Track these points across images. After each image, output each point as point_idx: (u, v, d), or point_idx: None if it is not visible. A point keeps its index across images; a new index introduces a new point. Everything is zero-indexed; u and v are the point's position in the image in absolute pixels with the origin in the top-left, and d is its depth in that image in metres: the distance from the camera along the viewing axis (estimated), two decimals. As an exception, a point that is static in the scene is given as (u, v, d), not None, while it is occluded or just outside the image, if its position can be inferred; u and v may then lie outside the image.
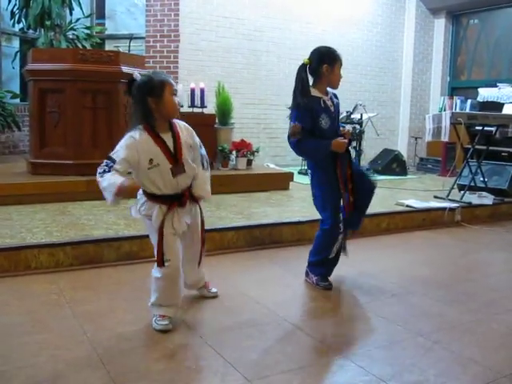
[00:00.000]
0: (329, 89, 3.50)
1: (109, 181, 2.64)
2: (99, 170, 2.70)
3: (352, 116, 8.70)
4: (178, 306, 3.00)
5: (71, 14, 8.72)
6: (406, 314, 3.23)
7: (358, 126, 8.68)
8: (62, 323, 2.92)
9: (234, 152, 7.02)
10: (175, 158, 2.83)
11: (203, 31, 8.76)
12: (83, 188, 5.50)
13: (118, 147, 2.78)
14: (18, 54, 8.78)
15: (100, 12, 9.59)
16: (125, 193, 2.63)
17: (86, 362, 2.50)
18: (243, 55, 9.00)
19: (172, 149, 2.83)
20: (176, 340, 2.78)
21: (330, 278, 3.67)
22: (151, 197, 2.86)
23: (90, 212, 4.98)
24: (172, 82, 2.85)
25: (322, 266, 3.63)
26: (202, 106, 7.05)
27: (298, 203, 5.81)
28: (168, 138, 2.84)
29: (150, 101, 2.77)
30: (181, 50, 8.67)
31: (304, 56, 3.47)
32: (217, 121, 7.17)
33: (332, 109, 3.44)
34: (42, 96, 5.83)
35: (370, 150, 9.71)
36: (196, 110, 7.06)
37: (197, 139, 3.03)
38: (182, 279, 2.99)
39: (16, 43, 9.11)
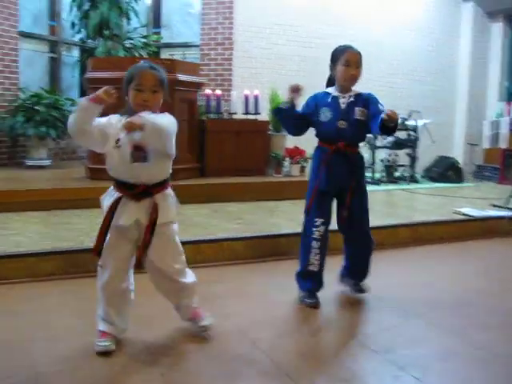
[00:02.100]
0: (361, 91, 3.40)
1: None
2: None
3: (406, 123, 8.59)
4: (119, 327, 2.76)
5: (129, 23, 8.91)
6: (462, 325, 3.16)
7: (412, 133, 8.57)
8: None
9: (287, 159, 7.03)
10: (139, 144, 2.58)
11: (257, 39, 8.81)
12: (139, 193, 5.59)
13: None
14: (78, 63, 9.05)
15: (156, 21, 9.77)
16: (99, 97, 2.47)
17: (142, 364, 2.55)
18: (296, 62, 9.00)
19: None
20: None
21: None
22: (114, 182, 2.69)
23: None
24: (143, 76, 2.61)
25: (306, 279, 3.45)
26: (256, 112, 7.10)
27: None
28: None
29: (124, 90, 2.67)
30: (235, 57, 8.74)
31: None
32: (270, 127, 7.19)
33: (343, 106, 3.33)
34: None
35: (425, 157, 9.55)
36: (250, 116, 7.11)
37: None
38: (125, 297, 2.77)
39: (76, 53, 9.39)
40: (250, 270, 4.17)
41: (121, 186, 2.64)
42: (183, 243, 4.13)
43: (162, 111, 2.67)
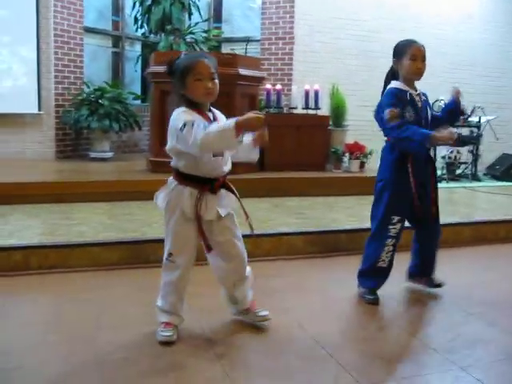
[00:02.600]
0: (418, 87, 3.37)
1: (217, 127, 2.46)
2: (191, 132, 2.44)
3: (469, 119, 8.39)
4: (181, 317, 2.81)
5: (190, 18, 9.03)
6: (527, 326, 3.08)
7: (475, 130, 8.36)
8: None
9: (347, 154, 6.98)
10: None
11: (317, 33, 8.75)
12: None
13: (177, 119, 2.55)
14: (140, 57, 9.22)
15: (217, 16, 9.86)
16: (249, 124, 2.44)
17: (205, 358, 2.59)
18: (357, 57, 8.91)
19: None
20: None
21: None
22: (184, 178, 2.66)
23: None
24: (207, 63, 2.60)
25: (369, 276, 3.42)
26: (316, 107, 7.07)
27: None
28: (211, 117, 2.68)
29: (178, 85, 2.65)
30: (295, 51, 8.72)
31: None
32: (330, 122, 7.16)
33: (419, 104, 3.29)
34: (163, 97, 6.09)
35: (489, 154, 9.30)
36: (310, 111, 7.09)
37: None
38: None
39: (138, 47, 9.57)
40: (309, 265, 4.16)
41: (198, 181, 2.64)
42: (243, 236, 4.22)
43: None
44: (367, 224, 3.50)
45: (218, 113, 2.77)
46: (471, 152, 8.46)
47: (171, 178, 2.73)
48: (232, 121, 2.38)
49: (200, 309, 3.13)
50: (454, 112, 3.41)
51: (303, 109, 7.11)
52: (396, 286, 3.61)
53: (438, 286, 3.56)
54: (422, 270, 3.59)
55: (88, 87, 7.91)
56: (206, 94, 2.60)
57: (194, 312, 3.07)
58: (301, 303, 3.32)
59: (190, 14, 8.91)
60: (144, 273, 3.73)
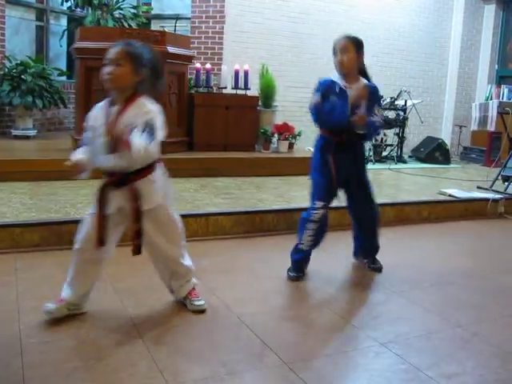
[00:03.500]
0: (366, 82, 3.42)
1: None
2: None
3: (396, 102, 8.59)
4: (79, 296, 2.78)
5: (118, -7, 8.78)
6: (444, 304, 3.20)
7: (401, 113, 8.57)
8: (103, 298, 2.99)
9: (275, 135, 7.01)
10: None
11: (248, 13, 8.71)
12: (126, 166, 5.58)
13: None
14: (66, 32, 8.91)
15: (147, -8, 9.64)
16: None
17: (127, 336, 2.57)
18: (288, 38, 8.93)
19: (112, 122, 2.51)
20: (213, 321, 2.81)
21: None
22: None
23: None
24: (114, 49, 2.54)
25: (293, 254, 3.54)
26: (246, 87, 7.06)
27: (339, 188, 5.78)
28: (115, 111, 2.55)
29: None
30: (226, 31, 8.65)
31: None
32: (260, 103, 7.16)
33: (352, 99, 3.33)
34: (89, 74, 5.91)
35: (414, 137, 9.59)
36: (239, 91, 7.07)
37: (147, 121, 2.50)
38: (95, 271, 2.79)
39: (64, 21, 9.24)
40: (237, 245, 4.17)
41: (103, 172, 2.62)
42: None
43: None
44: (294, 204, 3.56)
45: (134, 107, 2.53)
46: (397, 134, 8.68)
47: None
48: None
49: (124, 291, 3.09)
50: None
51: (233, 89, 7.07)
52: (336, 265, 3.70)
53: (377, 269, 3.69)
54: (363, 251, 3.76)
55: (10, 62, 7.58)
56: (103, 78, 2.53)
57: (118, 294, 3.03)
58: (228, 284, 3.34)
59: (119, -12, 8.66)
60: (67, 254, 3.62)
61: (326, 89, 3.34)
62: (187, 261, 2.92)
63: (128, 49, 2.54)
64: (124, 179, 2.57)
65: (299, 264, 3.50)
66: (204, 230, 4.26)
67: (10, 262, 3.52)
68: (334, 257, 3.95)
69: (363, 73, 3.45)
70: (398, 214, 5.18)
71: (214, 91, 7.22)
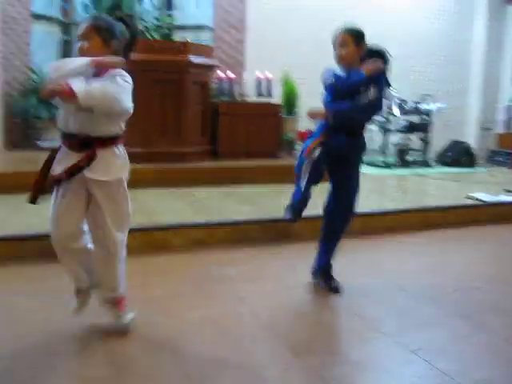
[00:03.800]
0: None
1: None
2: None
3: (420, 106, 8.54)
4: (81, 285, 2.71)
5: (141, 5, 8.88)
6: (471, 309, 3.16)
7: (425, 117, 8.52)
8: (133, 307, 3.02)
9: (299, 142, 7.03)
10: None
11: (269, 21, 8.74)
12: (151, 175, 5.64)
13: None
14: (90, 44, 9.02)
15: (168, 3, 9.72)
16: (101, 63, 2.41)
17: (156, 345, 2.59)
18: (309, 44, 8.92)
19: None
20: (247, 329, 2.83)
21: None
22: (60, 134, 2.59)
23: (158, 199, 5.10)
24: (82, 25, 2.53)
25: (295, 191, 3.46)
26: (269, 95, 7.09)
27: (365, 194, 5.73)
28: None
29: None
30: (247, 40, 8.70)
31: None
32: (283, 110, 7.18)
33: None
34: (114, 85, 5.99)
35: (438, 141, 9.49)
36: (262, 99, 7.10)
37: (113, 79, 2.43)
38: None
39: (88, 34, 9.36)
40: (263, 252, 4.18)
41: (65, 136, 2.54)
42: (196, 226, 4.22)
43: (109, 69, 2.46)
44: (318, 211, 3.53)
45: (107, 75, 2.45)
46: (422, 139, 8.63)
47: None
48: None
49: (154, 299, 3.13)
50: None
51: (256, 97, 7.11)
52: (361, 273, 3.71)
53: (334, 290, 3.40)
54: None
55: (37, 75, 7.72)
56: (77, 54, 2.51)
57: (148, 302, 3.06)
58: (255, 292, 3.34)
59: (141, 0, 8.77)
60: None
61: (330, 80, 3.28)
62: (123, 254, 2.72)
63: (95, 22, 2.54)
64: (86, 143, 2.49)
65: (297, 204, 3.41)
66: (230, 238, 4.28)
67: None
68: (359, 264, 3.94)
69: (377, 56, 3.30)
70: (424, 220, 5.14)
71: (237, 100, 7.27)
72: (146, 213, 4.53)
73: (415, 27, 9.87)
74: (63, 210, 2.55)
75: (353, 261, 3.95)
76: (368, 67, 3.14)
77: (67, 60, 2.49)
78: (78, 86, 2.28)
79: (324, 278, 3.42)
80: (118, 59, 2.47)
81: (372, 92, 3.16)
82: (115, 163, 2.56)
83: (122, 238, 2.64)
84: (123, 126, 2.59)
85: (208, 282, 3.47)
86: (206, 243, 4.18)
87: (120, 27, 2.60)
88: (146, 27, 8.67)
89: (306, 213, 4.50)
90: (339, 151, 3.33)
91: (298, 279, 3.56)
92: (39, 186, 2.53)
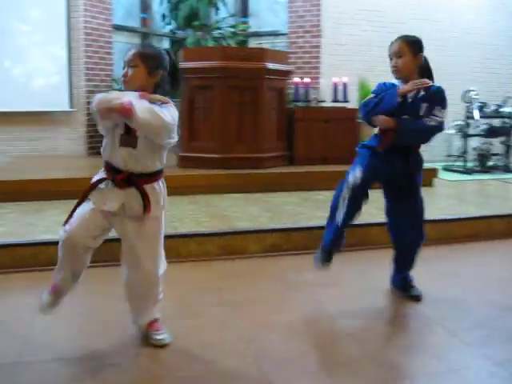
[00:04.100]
0: (432, 83, 3.10)
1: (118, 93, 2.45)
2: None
3: (501, 109, 8.26)
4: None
5: (217, 13, 9.05)
6: None
7: (507, 120, 8.23)
8: (210, 310, 3.07)
9: (364, 143, 6.93)
10: (129, 128, 2.43)
11: (345, 25, 8.69)
12: (228, 181, 5.73)
13: None
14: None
15: (244, 11, 9.85)
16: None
17: (234, 348, 2.61)
18: (385, 48, 8.65)
19: None
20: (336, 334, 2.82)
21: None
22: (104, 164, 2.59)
23: (235, 204, 5.15)
24: (129, 52, 2.55)
25: (327, 230, 3.27)
26: (345, 100, 7.05)
27: (444, 200, 5.63)
28: None
29: None
30: (322, 44, 8.68)
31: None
32: (359, 115, 7.11)
33: (410, 100, 3.07)
34: (192, 92, 6.13)
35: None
36: (338, 104, 7.06)
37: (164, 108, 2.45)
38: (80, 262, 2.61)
39: (166, 44, 9.62)
40: (339, 258, 4.13)
41: (109, 168, 2.54)
42: (273, 230, 4.24)
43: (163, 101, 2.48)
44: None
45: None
46: (503, 143, 8.33)
47: None
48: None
49: (231, 303, 3.15)
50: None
51: (332, 102, 7.08)
52: (439, 280, 3.63)
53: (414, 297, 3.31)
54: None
55: (117, 84, 7.97)
56: (121, 80, 2.58)
57: (225, 306, 3.09)
58: (332, 297, 3.32)
59: (217, 9, 8.94)
60: (175, 267, 3.73)
61: (381, 91, 3.14)
62: (159, 286, 2.70)
63: (143, 51, 2.57)
64: (130, 179, 2.49)
65: (330, 246, 3.21)
66: (307, 244, 4.26)
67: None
68: (440, 272, 3.84)
69: (427, 73, 3.15)
70: (507, 227, 4.95)
71: (313, 105, 7.26)
72: (223, 218, 4.60)
73: (495, 27, 9.55)
74: (91, 217, 2.53)
75: (433, 269, 3.86)
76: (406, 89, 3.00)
77: (113, 93, 2.51)
78: (135, 101, 2.33)
79: (404, 287, 3.35)
80: (165, 99, 2.48)
81: (437, 112, 3.03)
82: (157, 199, 2.57)
83: (156, 272, 2.64)
84: (165, 160, 2.60)
85: (285, 287, 3.48)
86: (282, 248, 4.20)
87: (166, 58, 2.61)
88: (222, 35, 8.82)
89: (382, 219, 4.47)
90: (403, 170, 3.17)
91: (375, 285, 3.51)
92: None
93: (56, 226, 4.20)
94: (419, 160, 3.26)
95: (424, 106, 3.05)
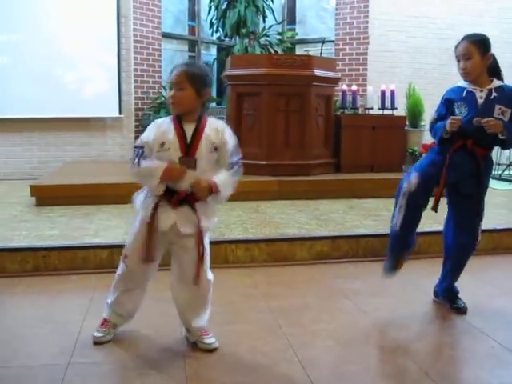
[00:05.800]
0: (500, 83, 3.01)
1: (149, 165, 2.45)
2: (131, 157, 2.50)
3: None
4: (124, 317, 2.75)
5: (264, 21, 9.10)
6: None
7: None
8: (258, 316, 3.08)
9: (424, 155, 6.84)
10: (188, 150, 2.48)
11: (392, 32, 8.63)
12: (275, 187, 5.74)
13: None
14: (215, 61, 9.37)
15: (291, 18, 9.88)
16: (172, 176, 2.44)
17: (282, 355, 2.61)
18: (434, 55, 8.71)
19: (189, 139, 2.48)
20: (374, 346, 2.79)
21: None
22: None
23: (282, 211, 5.16)
24: (174, 73, 2.50)
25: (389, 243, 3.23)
26: (392, 107, 6.98)
27: (492, 209, 5.49)
28: (189, 129, 2.50)
29: None
30: (370, 51, 8.63)
31: (498, 52, 3.17)
32: (407, 123, 7.05)
33: (481, 101, 2.97)
34: (240, 99, 6.18)
35: None
36: (386, 111, 7.00)
37: (229, 140, 2.57)
38: (141, 291, 2.73)
39: (213, 51, 9.73)
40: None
41: (165, 192, 2.52)
42: (321, 238, 4.23)
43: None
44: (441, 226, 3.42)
45: (209, 126, 2.55)
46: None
47: None
48: (158, 171, 2.42)
49: (279, 309, 3.16)
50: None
51: (379, 109, 7.02)
52: (487, 291, 3.56)
53: (460, 310, 3.23)
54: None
55: (166, 91, 8.09)
56: (168, 102, 2.54)
57: (273, 312, 3.10)
58: (380, 306, 3.29)
59: (265, 16, 8.98)
60: (223, 273, 3.76)
61: (451, 97, 3.07)
62: (209, 296, 2.74)
63: (190, 70, 2.50)
64: (186, 199, 2.51)
65: (394, 251, 3.18)
66: (355, 252, 4.24)
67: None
68: (491, 283, 3.76)
69: (496, 72, 3.03)
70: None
71: (360, 112, 7.22)
72: (271, 224, 4.60)
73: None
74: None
75: (485, 280, 3.79)
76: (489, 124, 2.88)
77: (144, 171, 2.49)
78: (218, 180, 2.49)
79: (449, 299, 3.27)
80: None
81: None
82: (207, 213, 2.59)
83: (210, 279, 2.71)
84: None
85: (333, 295, 3.47)
86: (330, 256, 4.18)
87: (210, 74, 2.61)
88: (269, 42, 8.86)
89: (434, 228, 4.40)
90: (471, 174, 3.10)
91: (423, 296, 3.45)
92: (151, 243, 2.55)
93: (104, 230, 4.32)
94: (491, 163, 3.21)
95: (498, 107, 2.94)
